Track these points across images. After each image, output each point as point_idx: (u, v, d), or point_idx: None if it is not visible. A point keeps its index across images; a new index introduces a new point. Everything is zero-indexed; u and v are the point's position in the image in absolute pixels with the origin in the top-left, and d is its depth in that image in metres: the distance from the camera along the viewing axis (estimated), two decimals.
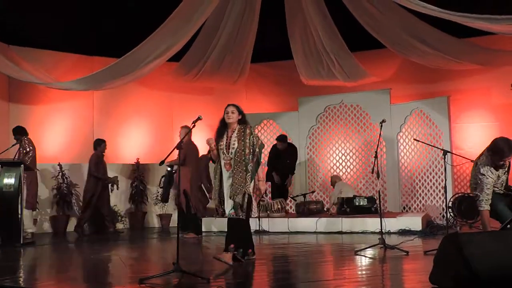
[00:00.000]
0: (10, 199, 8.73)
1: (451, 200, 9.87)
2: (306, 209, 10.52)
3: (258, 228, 9.97)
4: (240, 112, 6.67)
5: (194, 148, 9.78)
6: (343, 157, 11.80)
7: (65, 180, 10.78)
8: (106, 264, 7.06)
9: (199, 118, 5.94)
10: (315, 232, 9.73)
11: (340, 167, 11.79)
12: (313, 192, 11.55)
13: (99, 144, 10.59)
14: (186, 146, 9.22)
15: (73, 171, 11.06)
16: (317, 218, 9.94)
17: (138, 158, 11.67)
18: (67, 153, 11.50)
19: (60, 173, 10.75)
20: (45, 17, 10.84)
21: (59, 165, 10.75)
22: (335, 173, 11.62)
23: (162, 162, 5.64)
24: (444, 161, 7.33)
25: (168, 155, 5.78)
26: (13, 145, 9.51)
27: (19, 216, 8.62)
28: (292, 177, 11.22)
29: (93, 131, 11.98)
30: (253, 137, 6.41)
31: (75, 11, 11.27)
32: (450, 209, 9.71)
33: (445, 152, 7.36)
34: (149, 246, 8.99)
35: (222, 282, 5.22)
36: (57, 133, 11.54)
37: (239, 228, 6.36)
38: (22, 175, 8.80)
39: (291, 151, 11.31)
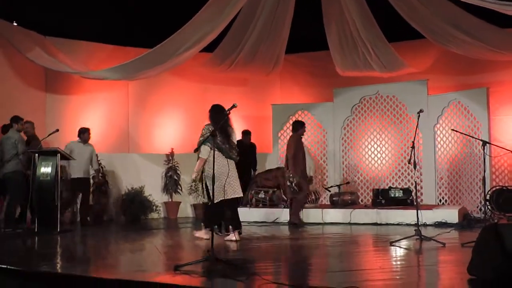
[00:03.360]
0: (47, 187, 8.88)
1: (489, 193, 9.66)
2: (340, 200, 10.45)
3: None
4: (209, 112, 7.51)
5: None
6: (378, 148, 11.65)
7: (101, 169, 10.88)
8: (141, 251, 7.12)
9: (234, 106, 5.93)
10: (349, 223, 9.65)
11: (376, 158, 11.65)
12: (347, 183, 11.45)
13: (301, 126, 10.04)
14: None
15: (109, 160, 11.16)
16: (352, 209, 9.86)
17: (173, 148, 11.73)
18: (102, 143, 11.61)
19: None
20: (80, 8, 10.95)
21: (95, 154, 10.86)
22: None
23: (196, 149, 5.66)
24: (483, 152, 7.17)
25: (202, 142, 5.77)
26: (50, 134, 9.63)
27: (56, 204, 8.77)
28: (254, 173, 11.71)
29: (128, 122, 12.11)
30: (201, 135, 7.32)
31: (109, 1, 11.35)
32: (487, 202, 9.51)
33: (485, 143, 7.22)
34: (183, 235, 9.03)
35: (256, 270, 5.20)
36: (93, 123, 11.64)
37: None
38: (59, 164, 8.93)
39: (253, 147, 11.90)
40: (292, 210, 9.75)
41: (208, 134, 6.97)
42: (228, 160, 7.30)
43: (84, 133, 10.24)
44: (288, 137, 12.17)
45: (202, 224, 7.86)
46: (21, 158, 9.30)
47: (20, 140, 9.35)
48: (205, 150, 7.07)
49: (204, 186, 7.46)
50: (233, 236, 7.50)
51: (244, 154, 11.56)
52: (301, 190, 9.63)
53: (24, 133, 9.85)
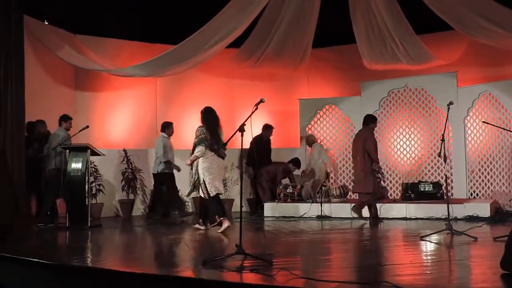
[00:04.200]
0: (78, 183, 8.97)
1: None
2: None
3: (320, 214, 9.93)
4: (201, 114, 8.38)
5: None
6: (407, 142, 11.53)
7: (130, 165, 10.98)
8: (170, 246, 7.16)
9: (261, 101, 5.88)
10: (378, 218, 9.56)
11: (404, 152, 11.53)
12: None
13: (374, 121, 9.51)
14: None
15: (138, 156, 11.27)
16: (381, 204, 9.77)
17: None
18: (131, 139, 11.74)
19: (125, 159, 10.96)
20: (107, 6, 11.04)
21: (124, 150, 10.96)
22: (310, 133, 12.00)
23: (224, 144, 5.67)
24: None
25: (230, 138, 5.78)
26: (80, 130, 9.71)
27: (86, 199, 8.87)
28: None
29: (157, 118, 12.17)
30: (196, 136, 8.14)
31: None
32: None
33: None
34: (211, 229, 9.05)
35: (285, 264, 5.18)
36: (122, 119, 11.80)
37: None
38: (89, 160, 9.03)
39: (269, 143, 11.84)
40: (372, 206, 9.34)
41: (202, 136, 8.05)
42: (219, 158, 8.19)
43: (169, 127, 10.42)
44: (315, 131, 12.18)
45: (217, 217, 8.18)
46: (61, 155, 9.47)
47: (66, 138, 9.56)
48: (201, 149, 8.02)
49: (202, 182, 8.10)
50: (226, 223, 8.01)
51: (262, 149, 11.52)
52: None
53: (33, 132, 10.05)
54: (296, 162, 11.30)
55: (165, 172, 10.19)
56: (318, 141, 11.74)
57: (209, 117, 8.30)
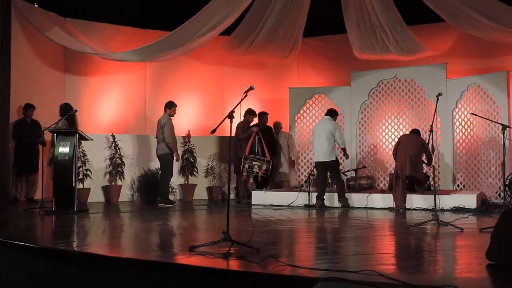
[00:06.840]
0: (65, 167, 8.90)
1: (509, 178, 9.54)
2: (357, 185, 10.40)
3: (308, 203, 9.94)
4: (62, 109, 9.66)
5: None
6: (396, 133, 11.56)
7: (118, 150, 10.93)
8: (157, 232, 7.14)
9: (251, 88, 5.86)
10: (365, 208, 9.61)
11: (393, 142, 11.54)
12: (364, 167, 11.39)
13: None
14: None
15: (126, 141, 11.20)
16: (368, 194, 9.81)
17: (189, 131, 11.73)
18: (120, 124, 11.69)
19: (113, 144, 10.90)
20: None
21: (112, 135, 10.90)
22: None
23: (213, 131, 5.63)
24: (503, 137, 7.07)
25: (219, 124, 5.75)
26: (68, 114, 9.63)
27: (73, 184, 8.81)
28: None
29: (146, 103, 12.12)
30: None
31: None
32: (507, 187, 9.39)
33: (504, 127, 7.11)
34: (199, 216, 9.05)
35: (271, 252, 5.18)
36: (110, 104, 11.73)
37: None
38: (77, 144, 8.97)
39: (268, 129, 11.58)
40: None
41: (65, 128, 9.18)
42: None
43: (336, 114, 10.16)
44: (304, 120, 12.19)
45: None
46: (167, 141, 9.96)
47: (167, 124, 9.98)
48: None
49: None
50: None
51: (267, 138, 11.26)
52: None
53: (25, 117, 10.20)
54: (250, 111, 10.92)
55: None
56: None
57: (67, 110, 9.42)
